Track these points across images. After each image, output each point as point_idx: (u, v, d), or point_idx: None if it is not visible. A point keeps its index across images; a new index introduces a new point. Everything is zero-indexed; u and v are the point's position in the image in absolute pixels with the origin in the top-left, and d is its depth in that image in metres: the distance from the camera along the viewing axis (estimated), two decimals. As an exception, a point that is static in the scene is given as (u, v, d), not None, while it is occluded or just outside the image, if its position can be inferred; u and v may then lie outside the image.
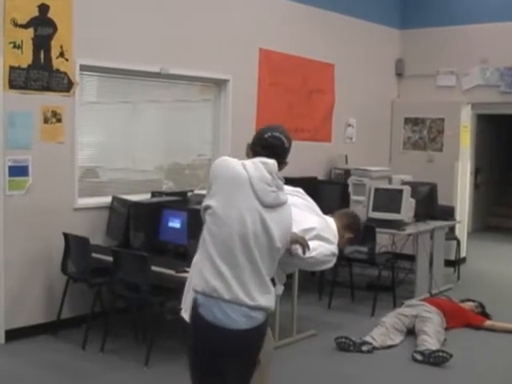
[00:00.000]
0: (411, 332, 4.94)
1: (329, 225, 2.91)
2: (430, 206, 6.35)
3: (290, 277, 4.80)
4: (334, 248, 2.80)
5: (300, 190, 3.01)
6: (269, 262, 2.38)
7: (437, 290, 6.15)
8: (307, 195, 3.01)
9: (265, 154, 2.44)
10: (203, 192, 5.61)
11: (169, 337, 4.54)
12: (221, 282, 2.30)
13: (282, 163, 2.48)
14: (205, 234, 2.37)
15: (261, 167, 2.37)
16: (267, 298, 2.39)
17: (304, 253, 2.67)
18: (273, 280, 2.76)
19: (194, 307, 2.34)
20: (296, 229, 2.73)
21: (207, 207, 2.37)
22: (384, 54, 8.05)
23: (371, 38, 7.75)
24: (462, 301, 5.58)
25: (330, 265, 2.82)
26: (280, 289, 2.86)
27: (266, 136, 2.48)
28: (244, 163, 2.40)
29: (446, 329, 5.00)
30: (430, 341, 4.61)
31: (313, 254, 2.70)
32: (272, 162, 2.40)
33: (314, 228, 2.78)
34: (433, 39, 7.94)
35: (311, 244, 2.71)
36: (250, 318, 2.32)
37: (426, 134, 8.03)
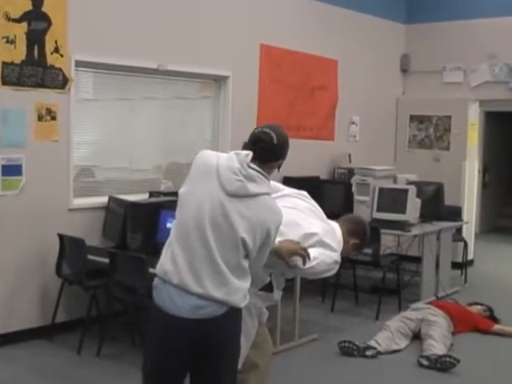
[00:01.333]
0: (417, 336, 4.94)
1: (333, 230, 2.89)
2: (437, 206, 6.35)
3: (291, 279, 4.81)
4: (336, 256, 2.77)
5: (304, 193, 3.00)
6: (231, 253, 2.36)
7: (443, 293, 6.15)
8: (312, 199, 2.99)
9: (252, 148, 2.47)
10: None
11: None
12: (173, 265, 2.34)
13: (271, 160, 2.49)
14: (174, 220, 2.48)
15: (233, 157, 2.42)
16: (223, 291, 2.34)
17: (304, 263, 2.66)
18: (270, 284, 2.76)
19: (152, 290, 2.43)
20: (297, 233, 2.74)
21: (178, 195, 2.48)
22: (389, 49, 8.04)
23: (376, 33, 7.75)
24: (470, 304, 5.58)
25: (333, 272, 2.81)
26: (278, 294, 2.85)
27: (256, 131, 2.53)
28: (220, 154, 2.47)
29: (453, 333, 5.00)
30: (437, 345, 4.61)
31: (313, 263, 2.68)
32: (246, 152, 2.44)
33: (316, 233, 2.76)
34: (439, 34, 7.94)
35: (312, 252, 2.69)
36: (197, 308, 2.31)
37: (432, 132, 8.02)
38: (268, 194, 2.45)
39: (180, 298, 2.32)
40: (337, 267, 2.79)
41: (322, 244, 2.74)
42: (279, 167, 2.58)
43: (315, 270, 2.72)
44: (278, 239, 2.66)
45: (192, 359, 2.41)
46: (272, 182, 3.01)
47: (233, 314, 2.40)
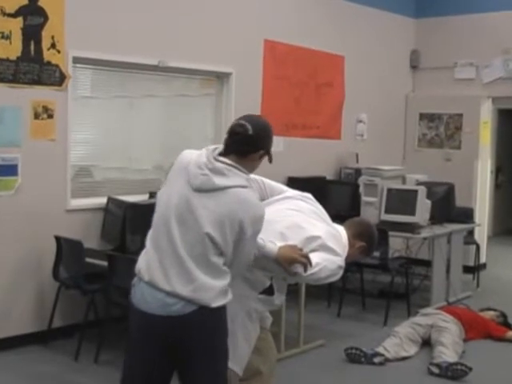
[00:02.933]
0: (427, 343, 4.93)
1: (337, 234, 2.88)
2: (447, 207, 6.34)
3: (296, 283, 4.81)
4: (340, 260, 2.77)
5: (309, 195, 3.00)
6: (198, 249, 2.37)
7: (454, 298, 6.14)
8: (316, 201, 2.99)
9: (229, 142, 2.49)
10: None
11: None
12: (145, 263, 2.43)
13: (249, 152, 2.48)
14: None
15: (203, 153, 2.46)
16: (189, 288, 2.35)
17: (306, 271, 2.66)
18: (271, 287, 2.76)
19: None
20: (300, 236, 2.74)
21: None
22: (398, 44, 8.04)
23: (384, 28, 7.74)
24: (482, 310, 5.57)
25: (337, 278, 2.80)
26: (280, 298, 2.85)
27: (232, 123, 2.54)
28: (196, 152, 2.51)
29: (465, 340, 4.99)
30: (448, 353, 4.60)
31: (315, 269, 2.68)
32: (214, 147, 2.47)
33: (319, 237, 2.76)
34: (450, 28, 7.92)
35: (314, 258, 2.69)
36: (165, 305, 2.35)
37: (442, 130, 8.01)
38: (243, 186, 2.42)
39: (150, 295, 2.38)
40: (341, 272, 2.79)
41: (325, 248, 2.74)
42: (270, 158, 2.57)
43: (318, 277, 2.72)
44: (278, 244, 2.68)
45: (166, 361, 2.43)
46: (275, 184, 3.04)
47: (204, 313, 2.38)
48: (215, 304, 2.38)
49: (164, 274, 2.37)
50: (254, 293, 2.75)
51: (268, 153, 2.55)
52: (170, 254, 2.38)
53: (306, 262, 2.65)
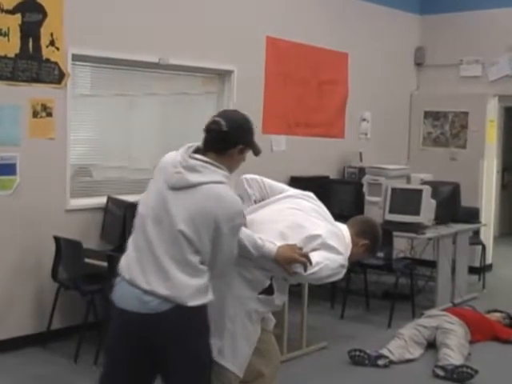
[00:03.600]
0: (432, 345, 4.92)
1: (339, 232, 2.88)
2: (453, 207, 6.33)
3: (299, 284, 4.81)
4: (342, 259, 2.76)
5: (310, 194, 3.01)
6: (174, 247, 2.38)
7: (460, 299, 6.14)
8: (318, 200, 2.99)
9: (205, 139, 2.52)
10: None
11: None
12: (126, 262, 2.49)
13: (227, 148, 2.49)
14: None
15: (179, 151, 2.49)
16: (165, 286, 2.37)
17: (306, 270, 2.66)
18: (270, 287, 2.76)
19: None
20: (300, 235, 2.74)
21: None
22: (402, 41, 8.03)
23: (388, 25, 7.73)
24: (488, 311, 5.56)
25: (339, 277, 2.80)
26: (280, 299, 2.85)
27: (208, 121, 2.56)
28: (176, 152, 2.55)
29: (471, 342, 4.98)
30: (453, 355, 4.59)
31: (315, 269, 2.68)
32: (190, 144, 2.50)
33: (319, 235, 2.76)
34: (456, 25, 7.90)
35: (315, 257, 2.69)
36: (142, 303, 2.38)
37: (448, 129, 7.99)
38: (218, 182, 2.42)
39: (129, 292, 2.42)
40: (343, 271, 2.79)
41: (326, 247, 2.74)
42: (255, 151, 2.58)
43: (319, 276, 2.72)
44: (277, 244, 2.68)
45: (145, 360, 2.44)
46: (276, 184, 3.04)
47: (180, 312, 2.39)
48: (192, 303, 2.39)
49: (142, 273, 2.41)
50: (254, 293, 2.76)
51: (249, 146, 2.55)
52: (147, 253, 2.43)
53: (306, 262, 2.65)
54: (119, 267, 2.51)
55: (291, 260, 2.65)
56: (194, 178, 2.40)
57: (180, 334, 2.40)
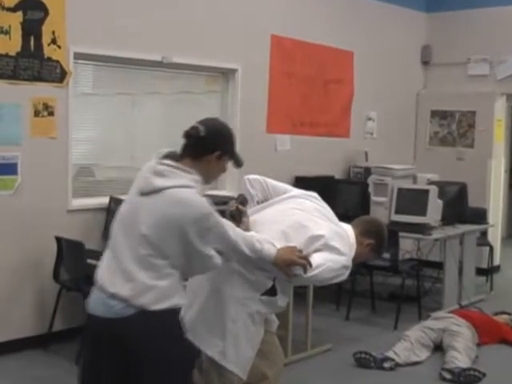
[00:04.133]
0: (438, 348, 4.91)
1: (343, 232, 2.87)
2: (460, 208, 6.31)
3: (304, 285, 4.80)
4: (344, 260, 2.76)
5: (314, 194, 3.01)
6: (140, 252, 2.39)
7: (467, 301, 6.11)
8: (322, 200, 2.99)
9: (183, 145, 2.55)
10: (210, 193, 5.62)
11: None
12: (100, 269, 2.53)
13: (203, 154, 2.50)
14: None
15: (153, 158, 2.53)
16: (129, 288, 2.38)
17: (305, 272, 2.65)
18: (273, 288, 2.74)
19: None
20: (302, 236, 2.75)
21: None
22: (409, 39, 8.00)
23: (394, 23, 7.71)
24: (496, 313, 5.55)
25: (342, 278, 2.80)
26: (283, 300, 2.84)
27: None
28: None
29: (478, 344, 4.97)
30: (460, 358, 4.57)
31: (316, 271, 2.67)
32: (164, 150, 2.55)
33: (322, 236, 2.75)
34: (463, 23, 7.87)
35: (316, 258, 2.68)
36: (108, 307, 2.41)
37: (455, 128, 7.97)
38: (184, 186, 2.42)
39: (98, 297, 2.46)
40: (347, 272, 2.79)
41: (328, 248, 2.74)
42: (236, 163, 2.58)
43: (321, 278, 2.72)
44: (278, 246, 2.68)
45: (114, 366, 2.44)
46: (279, 184, 3.05)
47: (145, 317, 2.38)
48: (155, 307, 2.39)
49: (110, 278, 2.44)
50: (256, 294, 2.75)
51: (228, 154, 2.56)
52: (115, 259, 2.46)
53: (306, 264, 2.65)
54: (95, 275, 2.54)
55: (290, 262, 2.65)
56: (159, 182, 2.43)
57: (145, 340, 2.40)
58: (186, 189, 2.41)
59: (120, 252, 2.44)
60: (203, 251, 2.44)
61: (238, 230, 2.66)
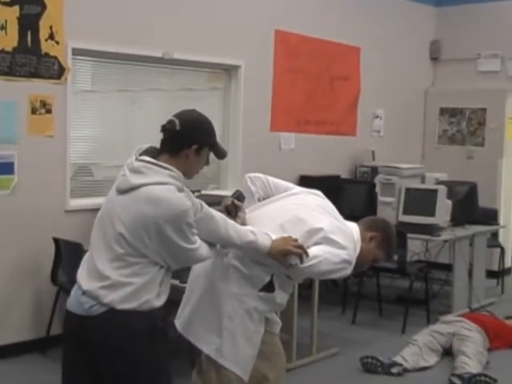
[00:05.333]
0: (448, 352, 4.90)
1: (345, 228, 2.87)
2: (470, 208, 6.30)
3: (309, 287, 4.80)
4: (345, 254, 2.75)
5: (318, 191, 3.02)
6: (116, 250, 2.39)
7: (477, 304, 6.11)
8: (326, 198, 3.00)
9: (161, 140, 2.54)
10: (212, 193, 5.62)
11: (173, 356, 4.51)
12: (80, 268, 2.56)
13: (180, 148, 2.47)
14: None
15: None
16: (100, 286, 2.39)
17: (302, 262, 2.65)
18: (271, 283, 2.74)
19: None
20: (301, 230, 2.75)
21: None
22: (417, 35, 7.99)
23: (402, 17, 7.70)
24: (507, 317, 5.53)
25: (344, 273, 2.79)
26: (282, 296, 2.84)
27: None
28: None
29: (489, 349, 4.95)
30: (471, 363, 4.56)
31: (314, 261, 2.67)
32: (141, 146, 2.53)
33: (322, 229, 2.76)
34: (474, 17, 7.87)
35: (314, 250, 2.69)
36: (80, 304, 2.44)
37: (464, 126, 7.96)
38: (159, 183, 2.40)
39: (73, 294, 2.50)
40: (349, 268, 2.78)
41: (328, 241, 2.74)
42: (217, 154, 2.56)
43: (318, 269, 2.71)
44: (273, 237, 2.68)
45: (84, 365, 2.46)
46: (281, 182, 3.04)
47: (111, 317, 2.38)
48: (122, 306, 2.38)
49: (85, 275, 2.48)
50: (253, 290, 2.75)
51: (207, 147, 2.53)
52: (93, 256, 2.48)
53: (301, 253, 2.64)
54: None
55: (286, 252, 2.65)
56: (135, 179, 2.42)
57: (108, 340, 2.40)
58: (162, 186, 2.40)
59: (97, 250, 2.46)
60: (184, 246, 2.43)
61: (231, 221, 2.66)
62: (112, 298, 2.38)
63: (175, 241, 2.40)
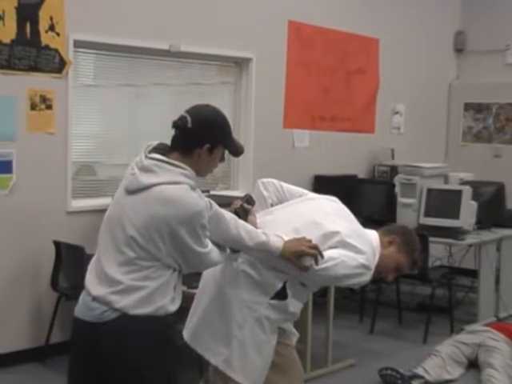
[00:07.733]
0: (473, 364, 4.87)
1: (363, 233, 2.88)
2: (497, 210, 6.29)
3: (324, 294, 4.79)
4: (363, 258, 2.75)
5: (333, 197, 3.05)
6: (127, 254, 2.39)
7: (505, 313, 6.09)
8: (342, 203, 3.03)
9: (173, 137, 2.52)
10: (221, 193, 5.63)
11: (180, 365, 4.51)
12: (88, 272, 2.56)
13: (191, 147, 2.46)
14: None
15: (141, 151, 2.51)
16: (111, 292, 2.39)
17: (317, 263, 2.64)
18: (283, 290, 2.73)
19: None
20: (316, 233, 2.76)
21: None
22: (440, 25, 7.97)
23: (424, 6, 7.68)
24: (537, 327, 5.49)
25: (362, 280, 2.78)
26: (295, 305, 2.83)
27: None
28: None
29: (517, 361, 4.92)
30: (498, 376, 4.53)
31: (329, 264, 2.67)
32: (150, 143, 2.51)
33: (338, 232, 2.76)
34: (501, 6, 7.84)
35: (329, 253, 2.69)
36: (89, 310, 2.45)
37: (491, 122, 7.94)
38: (172, 182, 2.39)
39: (82, 300, 2.51)
40: (368, 274, 2.77)
41: (345, 245, 2.74)
42: (232, 152, 2.56)
43: (335, 273, 2.70)
44: (285, 238, 2.69)
45: (91, 373, 2.48)
46: (295, 188, 3.05)
47: (123, 323, 2.38)
48: (135, 311, 2.39)
49: (94, 281, 2.48)
50: (265, 298, 2.75)
51: (220, 145, 2.51)
52: (101, 260, 2.48)
53: (316, 253, 2.63)
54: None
55: (299, 253, 2.64)
56: (146, 179, 2.41)
57: (119, 347, 2.41)
58: (175, 185, 2.39)
59: (105, 254, 2.46)
60: (197, 249, 2.44)
61: (242, 222, 2.66)
62: (125, 302, 2.38)
63: (189, 243, 2.40)
